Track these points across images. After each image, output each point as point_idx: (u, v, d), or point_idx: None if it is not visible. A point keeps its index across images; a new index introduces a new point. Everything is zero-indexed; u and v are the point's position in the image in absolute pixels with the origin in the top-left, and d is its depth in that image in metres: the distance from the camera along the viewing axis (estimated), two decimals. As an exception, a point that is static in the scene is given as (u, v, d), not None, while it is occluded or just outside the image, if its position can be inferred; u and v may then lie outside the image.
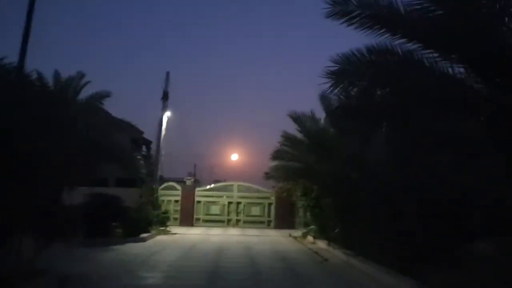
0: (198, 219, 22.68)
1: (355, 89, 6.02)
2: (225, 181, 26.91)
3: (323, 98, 13.79)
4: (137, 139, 32.72)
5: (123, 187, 21.03)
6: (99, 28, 63.11)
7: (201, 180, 30.07)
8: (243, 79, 71.76)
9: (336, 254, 11.76)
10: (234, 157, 38.26)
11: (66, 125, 15.17)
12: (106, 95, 15.67)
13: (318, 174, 13.66)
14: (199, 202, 22.86)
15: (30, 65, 11.68)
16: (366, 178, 9.98)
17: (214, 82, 69.34)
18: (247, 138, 70.90)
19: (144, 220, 15.94)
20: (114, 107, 16.62)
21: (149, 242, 14.19)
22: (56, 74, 14.58)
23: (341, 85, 5.60)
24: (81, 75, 15.38)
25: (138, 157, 16.18)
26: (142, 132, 32.55)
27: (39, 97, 14.78)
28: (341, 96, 6.21)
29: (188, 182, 23.32)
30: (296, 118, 14.64)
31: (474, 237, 6.62)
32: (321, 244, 14.23)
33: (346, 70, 5.41)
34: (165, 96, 19.60)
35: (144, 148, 35.58)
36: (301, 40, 67.03)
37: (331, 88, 5.71)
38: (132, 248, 12.51)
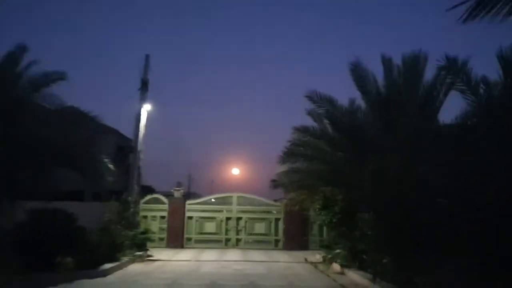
0: (189, 239, 18.40)
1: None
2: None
3: (357, 69, 9.79)
4: (123, 147, 28.81)
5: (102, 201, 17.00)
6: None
7: (202, 195, 25.63)
8: (246, 78, 68.31)
9: (391, 300, 7.60)
10: (235, 171, 34.31)
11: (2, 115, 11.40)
12: (60, 77, 11.59)
13: (353, 177, 9.51)
14: (190, 218, 18.60)
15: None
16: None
17: (212, 82, 65.69)
18: (251, 146, 66.59)
19: (110, 244, 11.72)
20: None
21: (112, 277, 9.97)
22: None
23: None
24: (22, 49, 11.38)
25: (105, 160, 11.93)
26: (129, 140, 28.72)
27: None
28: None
29: (177, 194, 18.97)
30: (318, 101, 10.58)
31: None
32: (355, 276, 10.06)
33: None
34: (144, 85, 15.57)
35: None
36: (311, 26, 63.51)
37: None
38: (79, 290, 8.37)
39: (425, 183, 6.40)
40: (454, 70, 6.17)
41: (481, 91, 6.04)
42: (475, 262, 6.44)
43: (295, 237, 17.98)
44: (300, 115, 12.68)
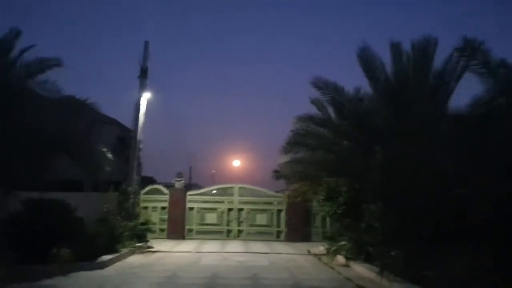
0: (190, 230, 18.11)
1: None
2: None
3: (365, 54, 9.39)
4: (124, 138, 28.51)
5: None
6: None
7: (203, 185, 25.36)
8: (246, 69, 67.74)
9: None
10: (237, 162, 34.15)
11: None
12: (55, 63, 11.19)
13: (359, 167, 9.17)
14: (191, 209, 18.30)
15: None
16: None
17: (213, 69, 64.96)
18: (253, 137, 66.20)
19: (109, 235, 11.42)
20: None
21: (110, 269, 9.68)
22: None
23: None
24: (16, 33, 11.01)
25: (103, 149, 11.63)
26: (130, 131, 28.42)
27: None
28: None
29: (178, 185, 18.65)
30: (323, 87, 10.19)
31: None
32: (361, 269, 9.76)
33: None
34: (143, 73, 15.19)
35: (133, 147, 31.30)
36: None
37: None
38: (75, 282, 8.07)
39: (440, 172, 6.03)
40: (471, 52, 5.76)
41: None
42: (487, 255, 6.13)
43: (298, 228, 17.65)
44: (303, 108, 12.36)
